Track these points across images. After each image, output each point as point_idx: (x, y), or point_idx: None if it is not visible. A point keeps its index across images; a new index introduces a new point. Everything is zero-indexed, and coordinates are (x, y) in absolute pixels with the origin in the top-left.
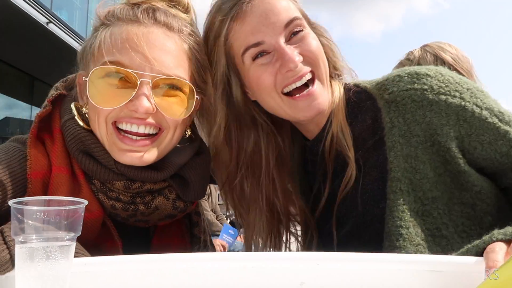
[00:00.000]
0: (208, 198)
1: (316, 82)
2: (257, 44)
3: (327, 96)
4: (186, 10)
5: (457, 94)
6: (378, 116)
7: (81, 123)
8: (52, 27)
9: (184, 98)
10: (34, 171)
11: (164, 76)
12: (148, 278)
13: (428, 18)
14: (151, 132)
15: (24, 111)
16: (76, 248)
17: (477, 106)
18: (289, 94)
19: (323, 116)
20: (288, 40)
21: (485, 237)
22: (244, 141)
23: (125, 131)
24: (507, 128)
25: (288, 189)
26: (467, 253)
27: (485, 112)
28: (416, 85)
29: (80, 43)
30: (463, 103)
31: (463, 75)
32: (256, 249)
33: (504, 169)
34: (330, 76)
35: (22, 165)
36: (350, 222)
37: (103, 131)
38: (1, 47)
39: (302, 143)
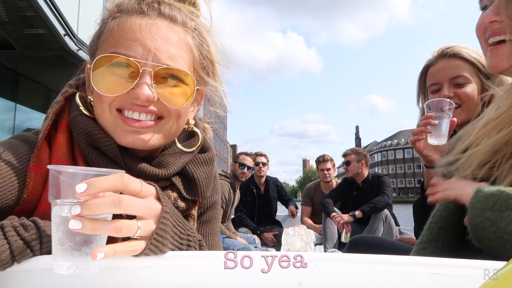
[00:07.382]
0: None
1: None
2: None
3: None
4: (193, 4)
5: None
6: None
7: (85, 111)
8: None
9: (186, 88)
10: (35, 165)
11: (165, 66)
12: (145, 278)
13: (410, 26)
14: (153, 119)
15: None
16: None
17: None
18: None
19: None
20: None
21: None
22: None
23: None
24: None
25: None
26: None
27: None
28: None
29: None
30: None
31: None
32: None
33: None
34: None
35: (22, 161)
36: None
37: (107, 117)
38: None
39: None
